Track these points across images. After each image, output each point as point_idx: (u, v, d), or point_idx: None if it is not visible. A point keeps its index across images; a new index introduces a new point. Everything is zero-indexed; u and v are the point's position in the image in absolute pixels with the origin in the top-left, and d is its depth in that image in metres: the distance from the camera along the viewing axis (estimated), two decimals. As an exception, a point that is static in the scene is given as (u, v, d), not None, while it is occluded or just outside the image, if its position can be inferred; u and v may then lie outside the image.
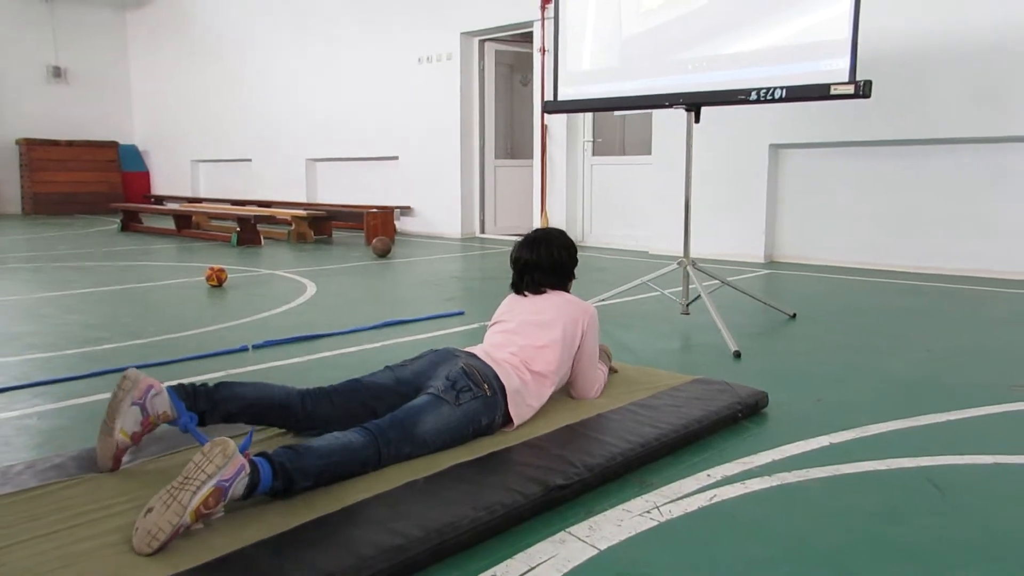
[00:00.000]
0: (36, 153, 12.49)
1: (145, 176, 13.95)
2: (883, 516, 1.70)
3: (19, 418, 2.38)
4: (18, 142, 12.56)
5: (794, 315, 4.03)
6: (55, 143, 12.76)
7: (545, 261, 2.37)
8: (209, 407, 1.86)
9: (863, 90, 3.20)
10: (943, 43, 5.35)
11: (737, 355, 3.18)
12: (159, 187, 13.83)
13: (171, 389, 1.84)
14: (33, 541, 1.46)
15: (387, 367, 2.13)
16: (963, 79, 5.32)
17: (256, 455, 1.60)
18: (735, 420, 2.30)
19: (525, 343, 2.24)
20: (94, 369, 2.91)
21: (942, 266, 5.64)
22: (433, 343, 3.38)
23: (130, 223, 9.56)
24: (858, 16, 3.23)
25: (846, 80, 3.25)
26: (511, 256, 2.44)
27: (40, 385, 2.73)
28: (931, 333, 3.67)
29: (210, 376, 2.85)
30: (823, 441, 2.17)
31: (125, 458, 1.83)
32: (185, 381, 1.91)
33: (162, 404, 1.80)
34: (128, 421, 1.76)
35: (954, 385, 2.77)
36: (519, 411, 2.10)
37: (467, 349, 2.20)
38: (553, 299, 2.35)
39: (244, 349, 3.26)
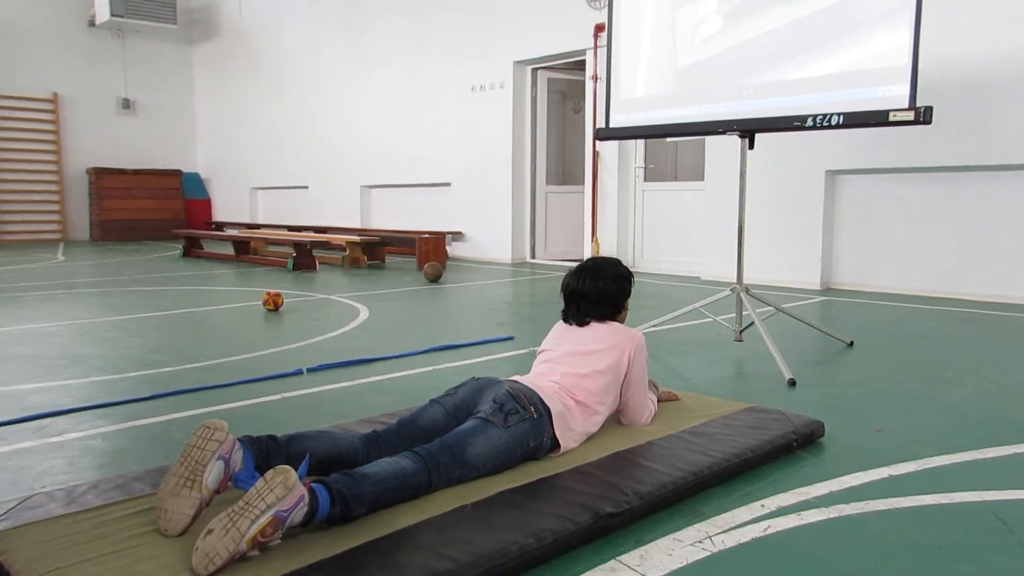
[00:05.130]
0: (104, 181, 12.98)
1: (206, 203, 14.37)
2: (948, 553, 1.64)
3: (84, 439, 2.46)
4: (88, 171, 13.08)
5: (851, 343, 3.94)
6: (122, 171, 13.25)
7: (591, 291, 2.36)
8: (280, 463, 1.77)
9: (924, 116, 3.14)
10: (1007, 67, 5.22)
11: (792, 383, 3.12)
12: (219, 214, 14.24)
13: (244, 444, 1.77)
14: (98, 559, 1.50)
15: (432, 400, 2.13)
16: (1028, 102, 5.18)
17: (314, 482, 1.62)
18: (790, 450, 2.25)
19: (568, 371, 2.24)
20: (155, 392, 3.00)
21: (1007, 294, 5.46)
22: (483, 368, 3.40)
23: (191, 249, 9.84)
24: (918, 43, 3.18)
25: (906, 106, 3.20)
26: (562, 284, 2.45)
27: (104, 407, 2.81)
28: (996, 363, 3.55)
29: (266, 399, 2.91)
30: (882, 473, 2.11)
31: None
32: (255, 435, 1.85)
33: (239, 460, 1.73)
34: (212, 476, 1.65)
35: (1021, 417, 2.67)
36: (565, 435, 2.09)
37: (510, 378, 2.21)
38: (599, 329, 2.34)
39: (299, 372, 3.32)
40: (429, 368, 3.45)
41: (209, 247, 10.33)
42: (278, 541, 1.52)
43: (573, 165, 9.52)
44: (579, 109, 9.20)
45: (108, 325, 4.57)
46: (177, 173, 13.93)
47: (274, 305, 5.05)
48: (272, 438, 1.85)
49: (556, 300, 2.48)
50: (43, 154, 12.84)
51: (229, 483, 1.71)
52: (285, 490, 1.50)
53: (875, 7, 3.31)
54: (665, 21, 4.06)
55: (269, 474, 1.52)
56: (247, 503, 1.48)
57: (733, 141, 3.93)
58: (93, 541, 1.58)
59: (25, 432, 2.52)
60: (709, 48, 3.88)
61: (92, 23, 13.02)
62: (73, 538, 1.59)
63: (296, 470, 1.76)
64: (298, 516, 1.54)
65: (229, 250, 9.57)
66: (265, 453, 1.80)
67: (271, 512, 1.48)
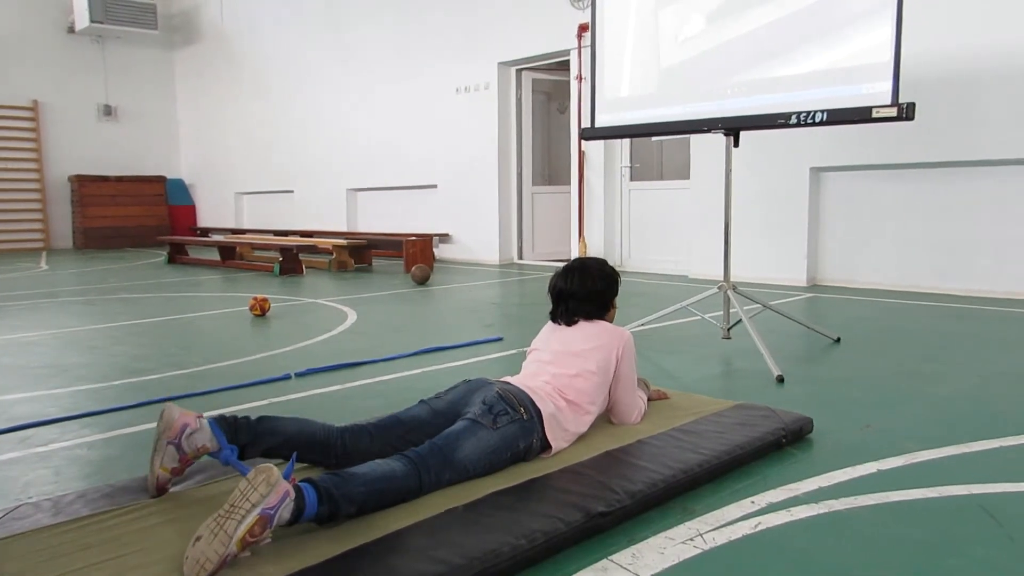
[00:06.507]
0: (87, 189, 12.87)
1: (191, 209, 14.29)
2: (937, 547, 1.65)
3: (69, 448, 2.44)
4: (70, 179, 12.97)
5: (838, 339, 3.96)
6: (105, 179, 13.15)
7: (579, 291, 2.37)
8: (250, 440, 1.88)
9: (906, 112, 3.16)
10: (990, 63, 5.26)
11: (780, 380, 3.13)
12: (204, 219, 14.16)
13: (213, 421, 1.86)
14: (85, 570, 1.49)
15: (422, 400, 2.14)
16: (1010, 100, 5.21)
17: (302, 481, 1.61)
18: (779, 446, 2.26)
19: (558, 371, 2.24)
20: (141, 399, 2.97)
21: (992, 289, 5.50)
22: (472, 369, 3.39)
23: (176, 255, 9.78)
24: (900, 39, 3.20)
25: (888, 103, 3.22)
26: (549, 284, 2.45)
27: (89, 416, 2.79)
28: (982, 358, 3.58)
29: (254, 404, 2.89)
30: (871, 468, 2.12)
31: (176, 488, 1.89)
32: (227, 413, 1.93)
33: (201, 439, 1.83)
34: (166, 459, 1.83)
35: (1007, 411, 2.69)
36: (556, 436, 2.09)
37: (501, 379, 2.21)
38: (587, 328, 2.35)
39: (287, 377, 3.31)
40: (418, 371, 3.44)
41: (194, 253, 10.26)
42: (268, 540, 1.51)
43: (559, 165, 9.53)
44: (564, 109, 9.21)
45: (93, 333, 4.53)
46: (161, 179, 13.84)
47: (261, 310, 5.03)
48: (245, 417, 1.91)
49: (544, 300, 2.49)
50: (24, 162, 12.71)
51: (191, 459, 1.85)
52: (268, 487, 1.50)
53: (857, 4, 3.33)
54: (648, 21, 4.07)
55: (251, 473, 1.52)
56: (232, 505, 1.48)
57: (718, 139, 3.95)
58: (80, 551, 1.57)
59: (10, 442, 2.49)
60: (693, 47, 3.89)
61: (72, 30, 12.92)
62: (60, 548, 1.58)
63: (265, 449, 1.89)
64: (285, 513, 1.53)
65: (215, 256, 9.51)
66: (234, 429, 1.87)
67: (257, 511, 1.47)
